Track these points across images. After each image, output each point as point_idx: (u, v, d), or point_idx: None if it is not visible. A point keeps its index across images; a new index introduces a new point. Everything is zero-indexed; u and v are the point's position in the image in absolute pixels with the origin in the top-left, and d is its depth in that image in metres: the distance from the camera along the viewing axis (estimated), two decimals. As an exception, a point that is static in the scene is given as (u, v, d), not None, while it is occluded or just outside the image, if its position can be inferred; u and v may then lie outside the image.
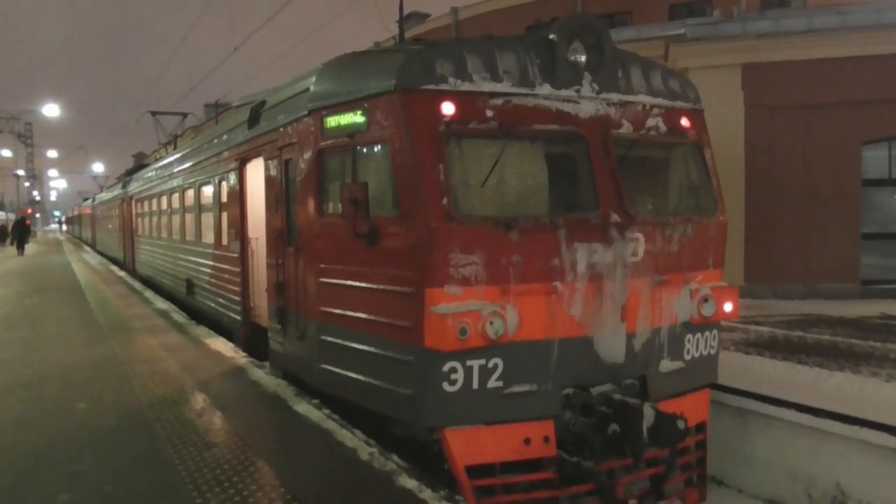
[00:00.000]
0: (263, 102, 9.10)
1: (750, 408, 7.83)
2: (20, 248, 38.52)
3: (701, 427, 6.84)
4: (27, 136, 56.60)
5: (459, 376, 5.55)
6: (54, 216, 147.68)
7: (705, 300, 6.57)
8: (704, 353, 6.86)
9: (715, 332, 6.96)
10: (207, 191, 12.39)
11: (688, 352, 6.69)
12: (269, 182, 8.39)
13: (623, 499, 5.97)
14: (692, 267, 6.65)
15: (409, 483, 5.05)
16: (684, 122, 6.86)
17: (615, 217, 6.02)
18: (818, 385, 8.05)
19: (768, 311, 13.86)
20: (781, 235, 15.77)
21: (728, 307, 6.70)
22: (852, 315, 13.17)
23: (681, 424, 5.70)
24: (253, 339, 10.07)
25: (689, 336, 6.69)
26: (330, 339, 6.79)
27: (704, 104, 7.19)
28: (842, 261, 15.56)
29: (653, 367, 6.38)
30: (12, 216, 52.90)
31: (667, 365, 6.49)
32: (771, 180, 15.78)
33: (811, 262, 15.65)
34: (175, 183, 15.62)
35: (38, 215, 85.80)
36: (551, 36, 6.09)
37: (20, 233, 38.96)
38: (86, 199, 65.42)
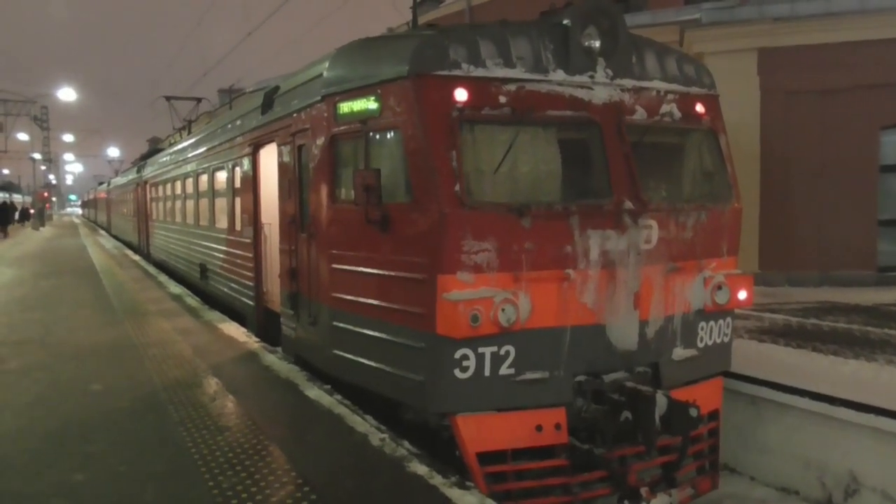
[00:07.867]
0: (277, 88, 9.08)
1: (763, 396, 7.80)
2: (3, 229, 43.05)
3: (714, 415, 6.82)
4: (43, 119, 56.73)
5: (471, 363, 5.55)
6: (70, 200, 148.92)
7: (719, 288, 6.53)
8: (718, 340, 6.83)
9: (728, 319, 6.93)
10: (221, 176, 12.42)
11: (701, 339, 6.66)
12: (282, 168, 8.39)
13: (635, 486, 5.97)
14: (706, 254, 6.61)
15: (420, 469, 5.06)
16: (699, 107, 6.79)
17: (628, 204, 5.97)
18: (833, 373, 7.99)
19: (783, 298, 13.77)
20: (797, 222, 15.62)
21: (742, 295, 6.66)
22: (868, 302, 13.05)
23: (693, 412, 5.69)
24: (265, 324, 10.13)
25: (703, 324, 6.66)
26: (342, 324, 6.81)
27: (720, 89, 7.11)
28: (858, 248, 15.40)
29: (665, 355, 6.36)
30: (29, 199, 53.85)
31: (680, 352, 6.47)
32: (787, 166, 15.61)
33: (827, 250, 15.49)
34: (189, 168, 15.68)
35: (54, 199, 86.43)
36: (565, 21, 6.03)
37: (3, 214, 44.27)
38: (101, 184, 65.79)
